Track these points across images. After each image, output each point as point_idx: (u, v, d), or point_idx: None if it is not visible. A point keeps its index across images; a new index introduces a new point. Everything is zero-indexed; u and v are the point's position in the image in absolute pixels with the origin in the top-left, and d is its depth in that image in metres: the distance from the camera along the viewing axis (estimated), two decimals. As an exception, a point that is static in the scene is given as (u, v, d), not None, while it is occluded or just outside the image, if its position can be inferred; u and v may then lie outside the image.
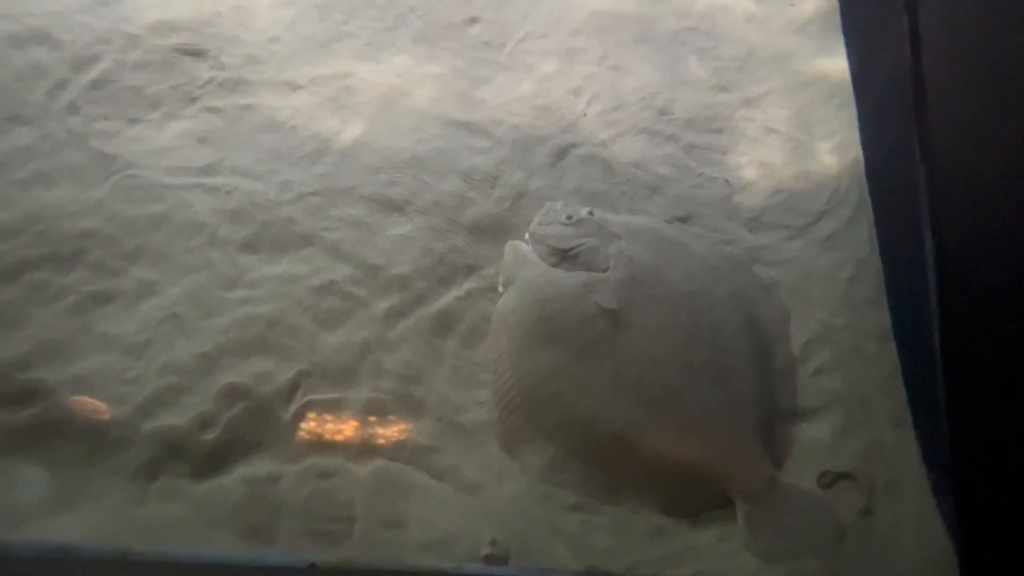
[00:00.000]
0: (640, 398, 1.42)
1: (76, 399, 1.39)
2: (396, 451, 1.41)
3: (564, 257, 1.58)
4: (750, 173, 1.88)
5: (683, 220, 1.74)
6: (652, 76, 2.06)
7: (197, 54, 1.95)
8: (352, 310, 1.57)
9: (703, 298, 1.55)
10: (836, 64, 2.12)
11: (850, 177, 1.85)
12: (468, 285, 1.62)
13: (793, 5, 2.25)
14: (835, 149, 1.89)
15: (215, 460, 1.35)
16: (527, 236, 1.65)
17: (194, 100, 1.88)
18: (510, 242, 1.64)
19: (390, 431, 1.45)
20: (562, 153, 1.86)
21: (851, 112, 1.99)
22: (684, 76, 2.07)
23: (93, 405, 1.39)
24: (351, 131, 1.87)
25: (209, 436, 1.37)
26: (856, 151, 1.93)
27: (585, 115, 1.91)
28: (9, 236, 1.55)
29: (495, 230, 1.69)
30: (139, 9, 1.95)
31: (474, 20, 2.13)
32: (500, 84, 1.99)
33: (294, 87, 1.94)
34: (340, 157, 1.82)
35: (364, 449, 1.41)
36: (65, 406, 1.39)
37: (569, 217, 1.63)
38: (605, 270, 1.57)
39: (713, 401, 1.43)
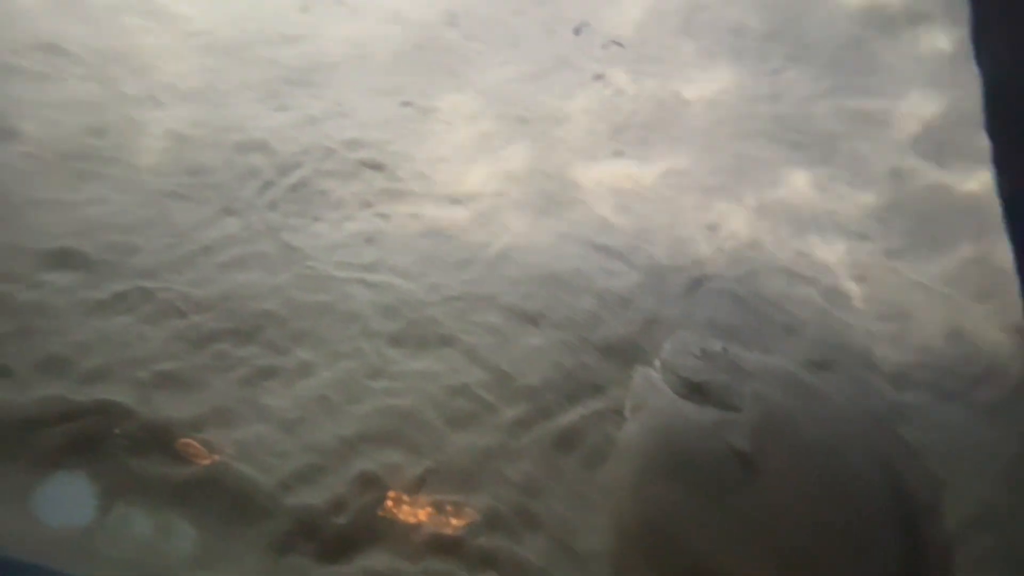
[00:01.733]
0: (769, 555, 1.27)
1: (233, 464, 1.49)
2: (508, 567, 1.36)
3: (695, 390, 1.50)
4: (894, 326, 1.74)
5: (820, 366, 1.63)
6: (796, 217, 2.02)
7: (377, 167, 2.17)
8: (480, 414, 1.58)
9: (841, 453, 1.40)
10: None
11: (1013, 343, 1.66)
12: (594, 404, 1.58)
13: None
14: (994, 311, 1.72)
15: (341, 546, 1.36)
16: (657, 364, 1.60)
17: (369, 206, 2.08)
18: (639, 367, 1.60)
19: (505, 544, 1.40)
20: (696, 284, 1.83)
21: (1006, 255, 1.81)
22: (829, 219, 2.02)
23: (246, 473, 1.48)
24: (497, 245, 1.96)
25: (340, 520, 1.38)
26: (1018, 314, 1.74)
27: (721, 249, 1.90)
28: (206, 309, 1.75)
29: (625, 353, 1.66)
30: (339, 128, 2.23)
31: (619, 153, 2.23)
32: (639, 213, 2.04)
33: (454, 201, 2.09)
34: (485, 267, 1.91)
35: (479, 559, 1.36)
36: (223, 469, 1.49)
37: (702, 350, 1.57)
38: (738, 410, 1.48)
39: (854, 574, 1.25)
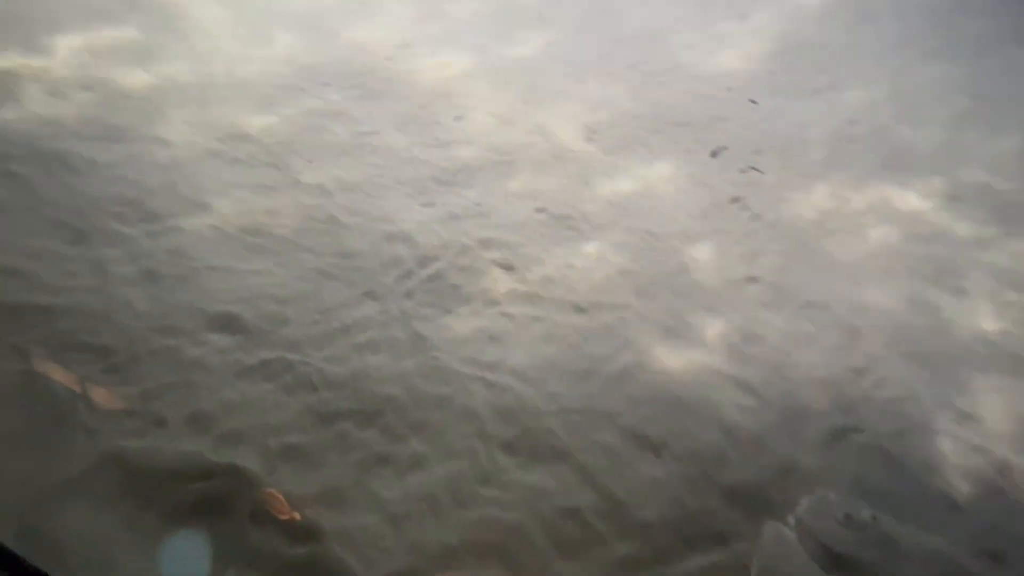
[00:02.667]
0: None
1: (337, 551, 1.48)
2: None
3: (838, 564, 1.32)
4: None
5: (994, 558, 1.37)
6: (960, 371, 1.80)
7: (507, 268, 2.23)
8: (590, 544, 1.47)
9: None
10: None
11: None
12: (715, 556, 1.42)
13: None
14: None
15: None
16: (792, 522, 1.43)
17: (496, 304, 2.11)
18: (771, 523, 1.43)
19: None
20: (840, 434, 1.64)
21: None
22: (1005, 378, 1.77)
23: (348, 563, 1.46)
24: (620, 359, 1.90)
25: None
26: None
27: (870, 398, 1.72)
28: (337, 387, 1.82)
29: (754, 501, 1.50)
30: (476, 227, 2.33)
31: (754, 279, 2.14)
32: (775, 345, 1.91)
33: (578, 309, 2.08)
34: (606, 382, 1.85)
35: None
36: (327, 554, 1.48)
37: (847, 516, 1.38)
38: (886, 597, 1.27)
39: None
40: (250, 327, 1.93)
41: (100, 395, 1.70)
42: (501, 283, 2.17)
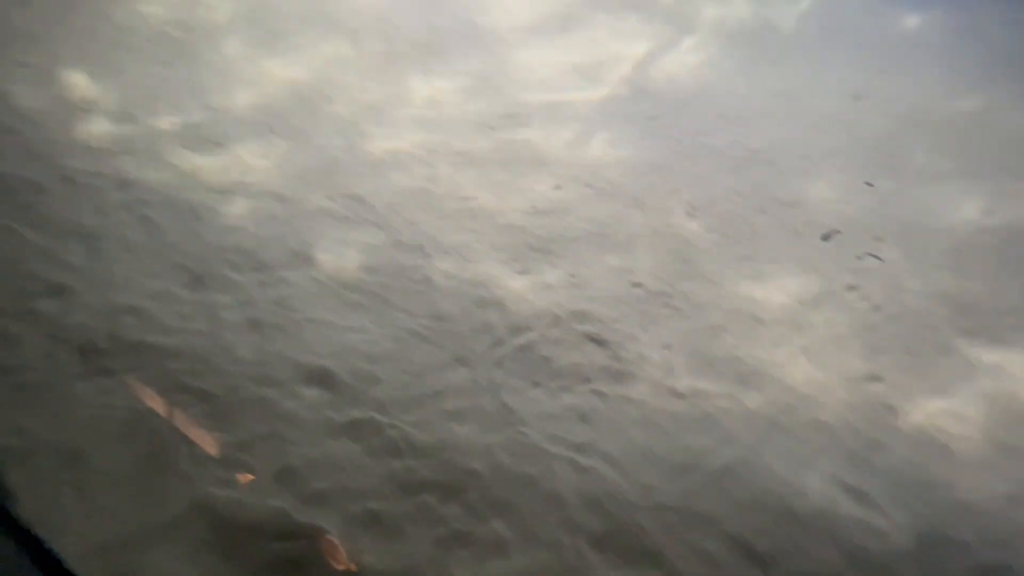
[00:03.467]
0: None
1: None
2: None
3: None
4: None
5: None
6: None
7: (600, 343, 2.15)
8: (688, 672, 1.31)
9: None
10: None
11: None
12: None
13: None
14: None
15: None
16: None
17: (587, 381, 2.03)
18: None
19: None
20: (987, 574, 1.41)
21: None
22: None
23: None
24: (723, 455, 1.75)
25: None
26: None
27: None
28: (423, 455, 1.78)
29: (885, 648, 1.31)
30: (570, 298, 2.28)
31: (875, 377, 1.95)
32: (902, 455, 1.70)
33: (676, 394, 1.95)
34: (707, 479, 1.69)
35: None
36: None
37: None
38: None
39: None
40: (342, 384, 1.94)
41: (200, 439, 1.74)
42: (594, 359, 2.08)
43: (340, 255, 2.37)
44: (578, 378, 2.02)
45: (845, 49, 3.37)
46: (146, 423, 1.79)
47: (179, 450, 1.70)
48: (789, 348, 2.06)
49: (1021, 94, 3.15)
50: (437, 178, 2.73)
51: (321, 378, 1.93)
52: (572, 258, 2.45)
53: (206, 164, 2.66)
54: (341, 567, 1.48)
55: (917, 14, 3.48)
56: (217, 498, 1.60)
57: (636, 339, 2.16)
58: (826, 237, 2.41)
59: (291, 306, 2.17)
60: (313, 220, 2.50)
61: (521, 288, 2.33)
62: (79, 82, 2.96)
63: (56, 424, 1.67)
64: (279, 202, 2.54)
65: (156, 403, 1.81)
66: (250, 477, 1.63)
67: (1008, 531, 1.48)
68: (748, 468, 1.69)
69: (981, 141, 2.88)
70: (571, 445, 1.80)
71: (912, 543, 1.47)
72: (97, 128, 2.77)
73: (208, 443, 1.68)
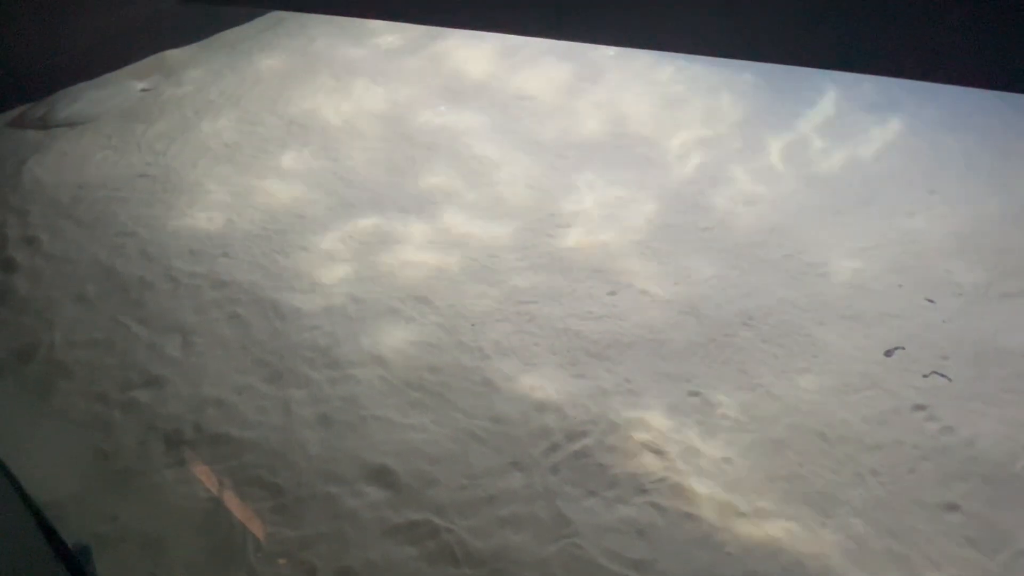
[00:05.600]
0: None
1: None
2: None
3: None
4: None
5: None
6: None
7: (657, 452, 2.13)
8: None
9: None
10: None
11: None
12: None
13: None
14: None
15: None
16: None
17: (644, 492, 1.99)
18: None
19: None
20: None
21: None
22: None
23: None
24: (789, 583, 1.66)
25: None
26: None
27: None
28: (478, 563, 1.76)
29: None
30: (626, 405, 2.30)
31: (953, 507, 1.82)
32: (988, 599, 1.56)
33: (737, 513, 1.89)
34: (772, 610, 1.60)
35: None
36: None
37: None
38: None
39: None
40: (402, 483, 1.98)
41: (262, 533, 1.80)
42: (651, 470, 2.05)
43: (406, 355, 2.48)
44: (635, 489, 1.98)
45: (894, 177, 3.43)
46: (220, 515, 1.87)
47: (247, 545, 1.75)
48: (855, 467, 1.97)
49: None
50: (498, 282, 2.87)
51: (382, 476, 1.98)
52: (627, 364, 2.46)
53: (289, 266, 2.91)
54: None
55: (954, 136, 3.53)
56: (279, 596, 1.63)
57: (695, 451, 2.11)
58: (889, 353, 2.35)
59: (359, 403, 2.26)
60: (382, 320, 2.66)
61: (578, 392, 2.34)
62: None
63: (143, 512, 1.77)
64: (354, 302, 2.72)
65: (227, 496, 1.90)
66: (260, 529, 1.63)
67: None
68: (818, 600, 1.58)
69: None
70: (628, 562, 1.74)
71: None
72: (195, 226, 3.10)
73: (266, 537, 1.73)
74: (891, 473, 1.94)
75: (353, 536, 1.80)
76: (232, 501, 1.83)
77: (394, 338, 2.56)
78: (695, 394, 2.32)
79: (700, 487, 1.97)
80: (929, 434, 2.03)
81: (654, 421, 2.23)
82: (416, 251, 3.01)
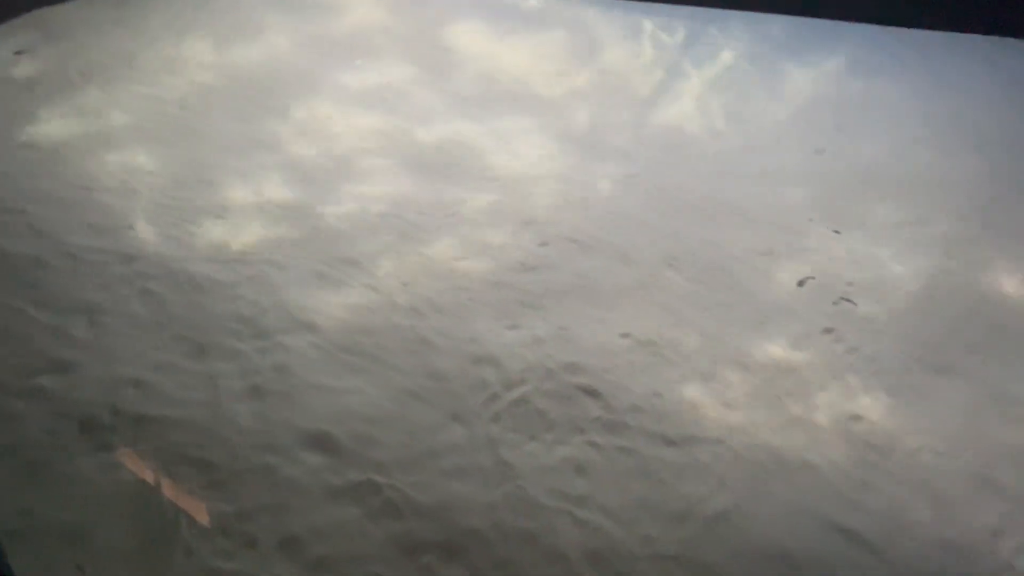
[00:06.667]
0: None
1: None
2: None
3: None
4: None
5: None
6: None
7: (593, 394, 2.20)
8: None
9: None
10: None
11: None
12: None
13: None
14: None
15: None
16: None
17: (582, 432, 2.06)
18: None
19: None
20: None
21: None
22: None
23: None
24: (717, 502, 1.77)
25: None
26: None
27: (1012, 567, 1.49)
28: (423, 516, 1.77)
29: None
30: (560, 350, 2.33)
31: (856, 418, 1.99)
32: (889, 492, 1.73)
33: (668, 442, 1.99)
34: (702, 526, 1.71)
35: None
36: None
37: None
38: None
39: None
40: (342, 447, 1.95)
41: (196, 511, 1.74)
42: (587, 410, 2.12)
43: (337, 319, 2.41)
44: (573, 430, 2.04)
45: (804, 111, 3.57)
46: (148, 497, 1.78)
47: (180, 523, 1.69)
48: (774, 389, 2.11)
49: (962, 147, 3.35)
50: (429, 241, 2.82)
51: (321, 442, 1.94)
52: (562, 312, 2.50)
53: (203, 238, 2.74)
54: None
55: (862, 80, 3.72)
56: (220, 570, 1.59)
57: (628, 389, 2.19)
58: (801, 283, 2.50)
59: (292, 372, 2.18)
60: (309, 286, 2.56)
61: (513, 343, 2.36)
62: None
63: (60, 503, 1.67)
64: (279, 270, 2.60)
65: (152, 476, 1.81)
66: (203, 513, 1.60)
67: (992, 570, 1.51)
68: (741, 514, 1.71)
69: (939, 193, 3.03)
70: (570, 499, 1.81)
71: (905, 581, 1.49)
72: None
73: (202, 514, 1.68)
74: (801, 392, 2.09)
75: (294, 503, 1.77)
76: (161, 482, 1.75)
77: (323, 302, 2.47)
78: (626, 336, 2.39)
79: (634, 422, 2.05)
80: (838, 354, 2.20)
81: (588, 363, 2.30)
82: (342, 211, 2.90)
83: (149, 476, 1.81)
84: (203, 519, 1.71)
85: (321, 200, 2.96)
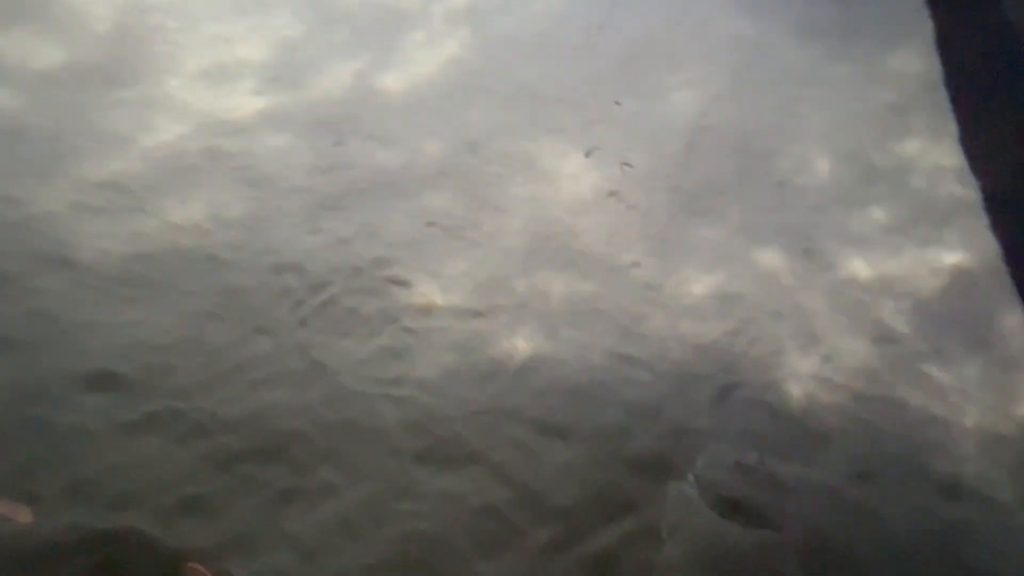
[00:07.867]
0: None
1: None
2: None
3: (734, 508, 1.40)
4: (937, 432, 1.64)
5: (863, 479, 1.51)
6: (816, 323, 1.98)
7: (402, 284, 2.21)
8: (509, 538, 1.47)
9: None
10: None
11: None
12: (629, 524, 1.47)
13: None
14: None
15: None
16: (691, 478, 1.51)
17: (395, 321, 2.09)
18: (673, 484, 1.51)
19: None
20: (725, 393, 1.76)
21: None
22: (850, 324, 1.97)
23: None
24: (520, 356, 1.93)
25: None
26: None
27: (747, 355, 1.85)
28: (234, 429, 1.71)
29: (656, 467, 1.57)
30: (367, 248, 2.29)
31: (636, 264, 2.26)
32: (659, 322, 2.02)
33: (476, 314, 2.10)
34: (509, 379, 1.87)
35: None
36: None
37: (737, 464, 1.48)
38: (779, 529, 1.36)
39: None
40: (130, 382, 1.78)
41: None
42: (398, 300, 2.14)
43: (102, 250, 2.11)
44: (386, 321, 2.06)
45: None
46: None
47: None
48: (568, 252, 2.30)
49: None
50: (202, 149, 2.52)
51: (103, 381, 1.75)
52: (364, 210, 2.43)
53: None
54: None
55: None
56: (3, 536, 1.42)
57: (437, 274, 2.24)
58: (588, 154, 2.68)
59: (51, 315, 1.90)
60: (60, 219, 2.19)
61: (316, 247, 2.27)
62: None
63: None
64: (13, 206, 2.18)
65: None
66: (26, 513, 1.44)
67: (732, 360, 1.88)
68: (542, 362, 1.90)
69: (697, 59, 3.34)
70: (386, 382, 1.86)
71: (670, 385, 1.80)
72: None
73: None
74: (591, 251, 2.30)
75: (80, 449, 1.60)
76: None
77: (81, 235, 2.14)
78: (432, 224, 2.42)
79: (444, 303, 2.13)
80: (619, 212, 2.44)
81: (396, 256, 2.30)
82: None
83: None
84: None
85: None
